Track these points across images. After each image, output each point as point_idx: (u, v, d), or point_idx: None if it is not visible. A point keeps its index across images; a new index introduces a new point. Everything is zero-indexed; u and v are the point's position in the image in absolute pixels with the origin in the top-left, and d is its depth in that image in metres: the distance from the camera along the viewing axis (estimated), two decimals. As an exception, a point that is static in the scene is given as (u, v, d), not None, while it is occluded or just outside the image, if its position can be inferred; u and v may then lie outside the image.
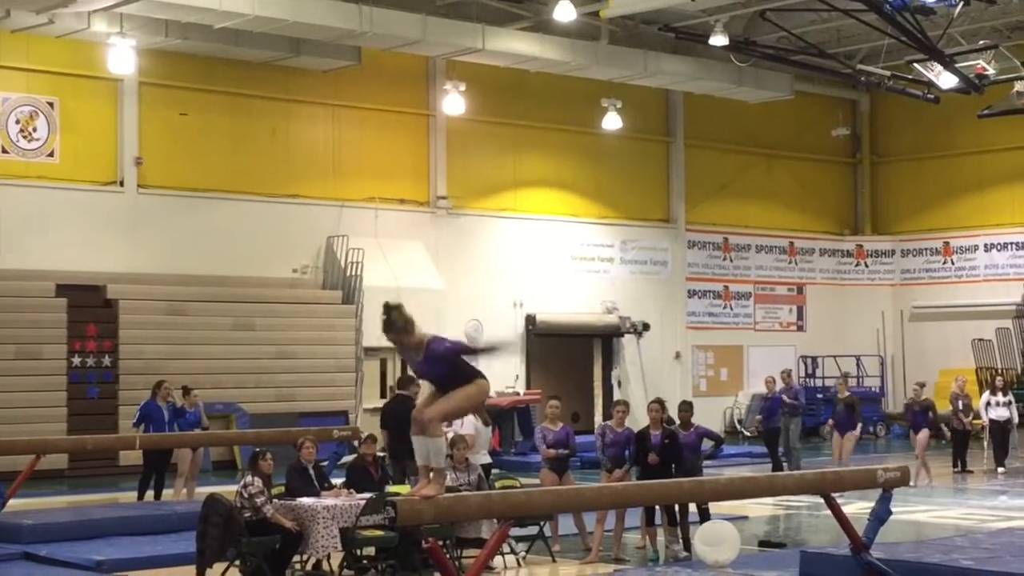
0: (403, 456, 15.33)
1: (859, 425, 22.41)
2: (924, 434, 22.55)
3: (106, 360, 25.13)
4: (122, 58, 25.51)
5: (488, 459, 16.66)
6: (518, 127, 31.96)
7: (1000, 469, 24.40)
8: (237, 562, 12.77)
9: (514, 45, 28.58)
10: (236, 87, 27.97)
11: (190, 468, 19.45)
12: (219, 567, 12.75)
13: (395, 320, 8.80)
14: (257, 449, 13.56)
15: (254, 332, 26.71)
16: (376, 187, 29.79)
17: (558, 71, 30.16)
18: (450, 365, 8.88)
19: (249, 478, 12.93)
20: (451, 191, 30.91)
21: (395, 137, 30.28)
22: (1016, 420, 25.46)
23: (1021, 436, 26.75)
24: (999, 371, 30.35)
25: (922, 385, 24.06)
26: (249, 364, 26.39)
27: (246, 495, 12.81)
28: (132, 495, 19.22)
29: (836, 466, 20.01)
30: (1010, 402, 25.12)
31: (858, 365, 36.27)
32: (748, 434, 32.99)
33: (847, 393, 22.76)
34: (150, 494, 18.90)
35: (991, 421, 24.89)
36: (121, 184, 26.75)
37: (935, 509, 19.34)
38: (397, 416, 17.48)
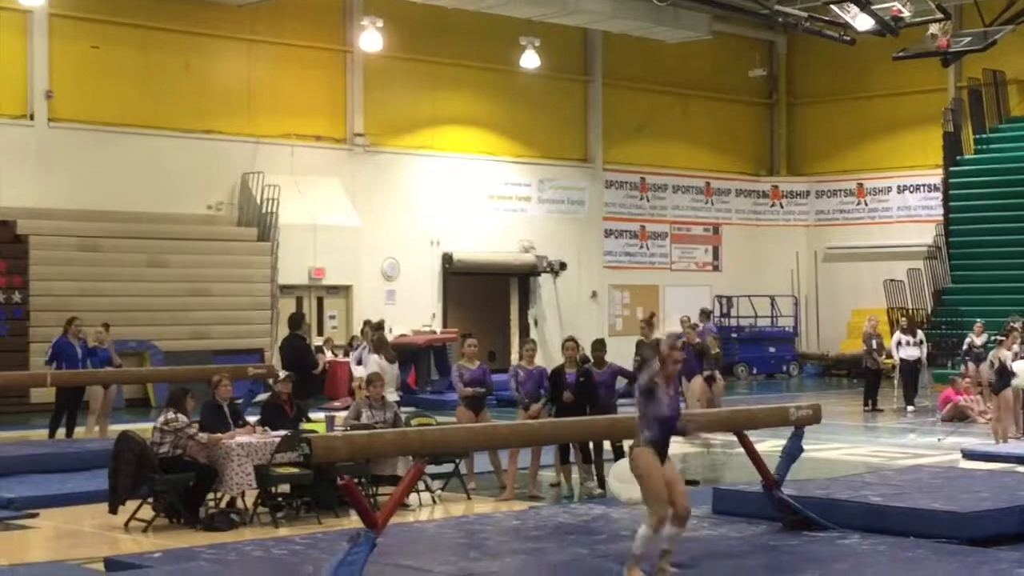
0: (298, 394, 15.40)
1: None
2: (698, 380, 20.90)
3: (16, 296, 24.79)
4: (32, -11, 25.04)
5: (396, 397, 16.63)
6: (436, 64, 31.75)
7: (909, 407, 24.76)
8: (150, 499, 12.69)
9: (432, -19, 28.36)
10: (148, 20, 27.53)
11: (102, 406, 19.29)
12: (132, 504, 12.67)
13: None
14: (181, 388, 13.43)
15: (168, 269, 26.45)
16: (292, 124, 29.53)
17: (476, 8, 29.96)
18: None
19: (172, 414, 12.81)
20: (368, 128, 30.71)
21: (311, 73, 29.98)
22: (925, 360, 25.85)
23: (930, 375, 27.18)
24: (910, 311, 30.73)
25: (694, 327, 22.53)
26: (163, 301, 26.13)
27: (169, 429, 12.70)
28: (43, 433, 19.07)
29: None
30: (920, 342, 25.47)
31: (772, 305, 36.59)
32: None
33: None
34: (62, 432, 18.75)
35: (901, 360, 25.21)
36: (31, 118, 26.29)
37: (846, 447, 19.61)
38: (288, 354, 17.63)
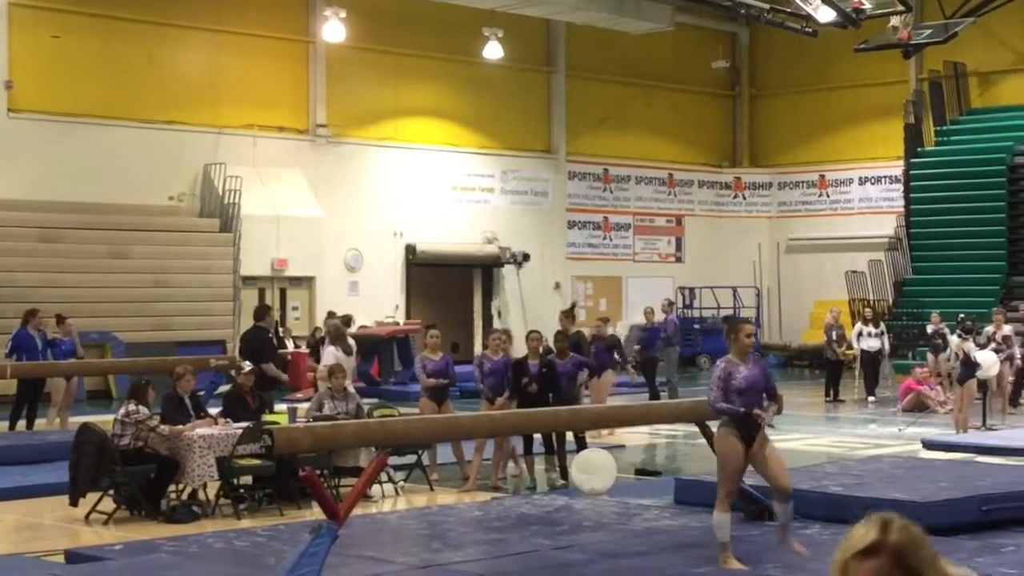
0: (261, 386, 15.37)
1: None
2: (608, 375, 20.18)
3: (-24, 288, 24.63)
4: (-9, -22, 24.85)
5: (351, 389, 16.60)
6: (399, 55, 31.70)
7: (871, 398, 24.89)
8: (111, 492, 12.64)
9: (395, -28, 28.30)
10: (110, 9, 27.37)
11: (63, 398, 19.19)
12: (93, 497, 12.61)
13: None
14: (142, 379, 13.39)
15: (130, 260, 26.36)
16: (255, 115, 29.43)
17: (440, -1, 29.95)
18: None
19: (133, 406, 12.76)
20: (331, 119, 30.63)
21: (274, 64, 29.89)
22: (887, 350, 25.98)
23: (891, 366, 27.32)
24: (871, 302, 30.90)
25: (606, 320, 21.98)
26: (125, 293, 26.05)
27: (130, 421, 12.65)
28: (3, 425, 18.93)
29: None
30: (881, 333, 25.59)
31: (735, 296, 36.71)
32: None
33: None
34: (22, 424, 18.64)
35: (863, 351, 25.33)
36: (-9, 108, 26.14)
37: (807, 437, 19.70)
38: (250, 346, 17.64)
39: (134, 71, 27.80)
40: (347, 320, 22.32)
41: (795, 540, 9.84)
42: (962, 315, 21.81)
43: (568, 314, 20.11)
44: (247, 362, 15.36)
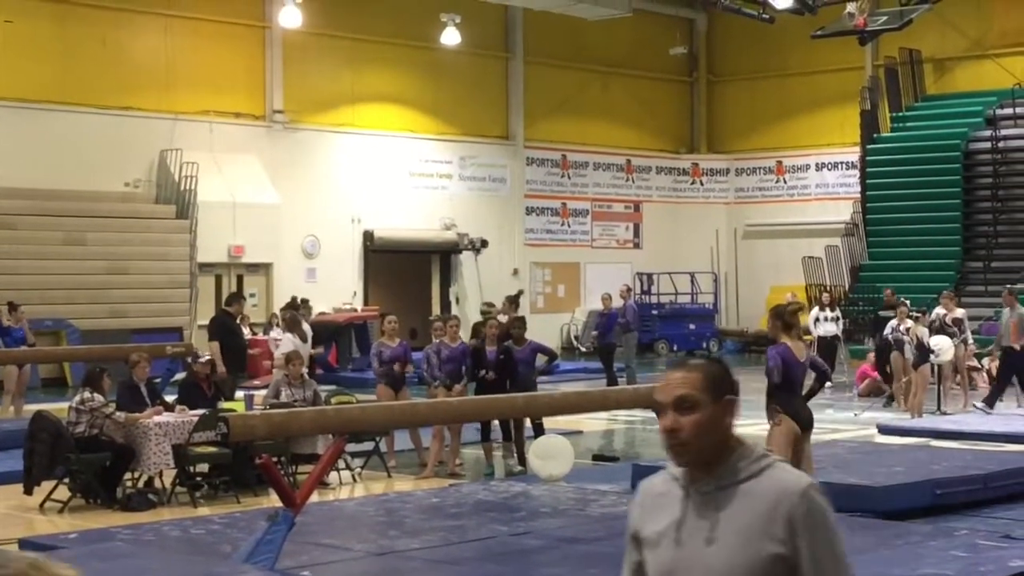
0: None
1: None
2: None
3: (-71, 275, 24.41)
4: (-57, -38, 24.60)
5: (307, 376, 16.56)
6: (356, 41, 31.58)
7: (827, 384, 24.95)
8: (66, 480, 12.57)
9: (352, -43, 28.18)
10: (64, -5, 27.17)
11: (17, 385, 19.08)
12: (48, 485, 12.54)
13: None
14: (98, 367, 13.31)
15: (85, 247, 26.20)
16: (211, 100, 29.26)
17: (397, -16, 29.83)
18: None
19: (88, 394, 12.69)
20: (287, 105, 30.50)
21: (230, 49, 29.71)
22: (843, 335, 26.08)
23: (847, 351, 27.43)
24: (828, 288, 31.03)
25: (491, 305, 20.96)
26: (80, 280, 25.88)
27: (86, 409, 12.58)
28: (-43, 413, 18.80)
29: None
30: (838, 318, 25.71)
31: (692, 282, 36.81)
32: (584, 350, 33.34)
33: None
34: (-24, 412, 18.52)
35: (819, 337, 25.42)
36: (-57, 94, 25.89)
37: (764, 422, 19.72)
38: (210, 327, 17.67)
39: (88, 56, 27.58)
40: (293, 303, 22.19)
41: None
42: (888, 289, 22.02)
43: (514, 300, 20.04)
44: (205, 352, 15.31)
